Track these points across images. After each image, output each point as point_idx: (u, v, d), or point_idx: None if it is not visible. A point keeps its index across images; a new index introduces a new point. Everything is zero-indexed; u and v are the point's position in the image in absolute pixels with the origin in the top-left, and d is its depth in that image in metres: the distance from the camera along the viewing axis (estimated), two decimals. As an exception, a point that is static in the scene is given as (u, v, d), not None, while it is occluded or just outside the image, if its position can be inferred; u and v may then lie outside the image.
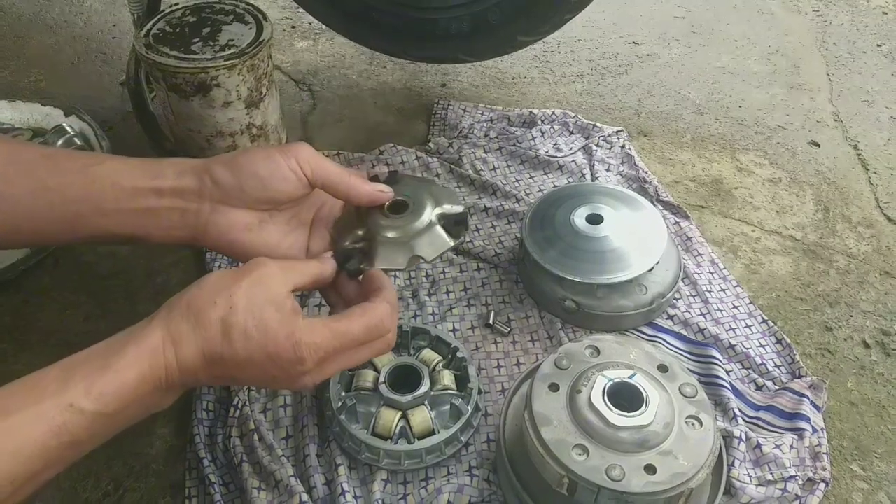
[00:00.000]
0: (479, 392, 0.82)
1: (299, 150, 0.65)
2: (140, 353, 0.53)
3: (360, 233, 0.69)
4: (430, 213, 0.69)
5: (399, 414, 0.78)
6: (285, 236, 0.68)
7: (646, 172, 1.14)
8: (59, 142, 1.11)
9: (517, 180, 1.15)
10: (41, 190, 0.61)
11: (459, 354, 0.84)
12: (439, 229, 0.69)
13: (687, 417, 0.68)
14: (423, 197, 0.71)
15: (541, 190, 1.13)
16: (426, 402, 0.79)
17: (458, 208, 0.71)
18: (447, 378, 0.82)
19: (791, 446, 0.79)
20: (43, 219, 0.62)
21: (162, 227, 0.64)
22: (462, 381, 0.83)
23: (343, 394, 0.80)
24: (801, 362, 0.88)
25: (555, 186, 1.12)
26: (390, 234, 0.68)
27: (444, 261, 1.01)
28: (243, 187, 0.64)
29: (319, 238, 0.70)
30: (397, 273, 0.98)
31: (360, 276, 0.67)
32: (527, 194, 1.12)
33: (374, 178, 0.70)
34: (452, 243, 0.69)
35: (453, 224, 0.70)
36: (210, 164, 0.65)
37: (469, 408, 0.79)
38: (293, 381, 0.58)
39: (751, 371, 0.88)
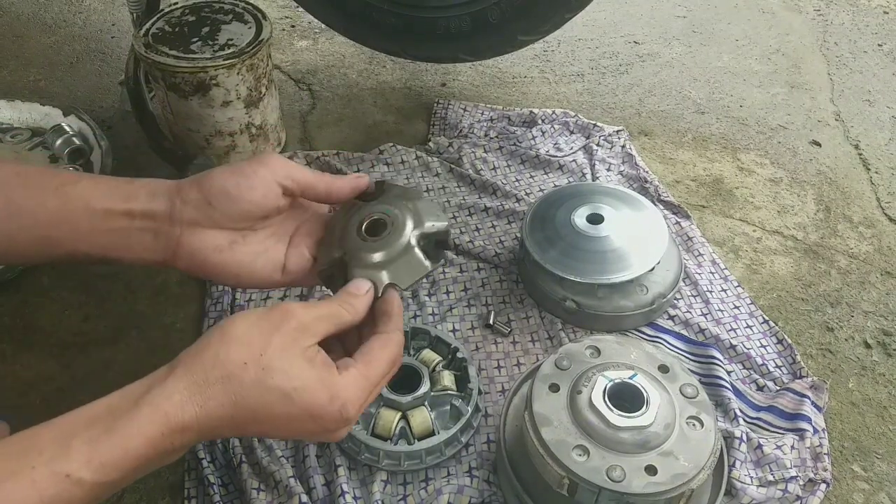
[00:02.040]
0: (480, 392, 0.82)
1: (269, 158, 0.63)
2: (154, 416, 0.48)
3: (336, 255, 0.66)
4: (409, 234, 0.65)
5: (399, 414, 0.78)
6: (258, 256, 0.65)
7: (646, 172, 1.14)
8: (58, 141, 1.11)
9: (517, 180, 1.15)
10: (14, 210, 0.59)
11: (459, 355, 0.84)
12: (417, 253, 0.64)
13: (688, 418, 0.68)
14: (404, 215, 0.66)
15: (541, 190, 1.13)
16: (426, 403, 0.79)
17: (441, 225, 0.66)
18: (447, 378, 0.82)
19: (792, 447, 0.79)
20: (15, 238, 0.60)
21: (134, 250, 0.63)
22: (462, 381, 0.83)
23: (343, 394, 0.80)
24: (802, 363, 0.88)
25: (555, 186, 1.12)
26: (367, 258, 0.64)
27: (445, 261, 1.01)
28: (212, 204, 0.62)
29: (297, 256, 0.67)
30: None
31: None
32: (527, 194, 1.12)
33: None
34: (430, 268, 0.64)
35: (433, 246, 0.66)
36: (181, 184, 0.63)
37: (469, 408, 0.79)
38: (332, 434, 0.55)
39: (752, 371, 0.88)
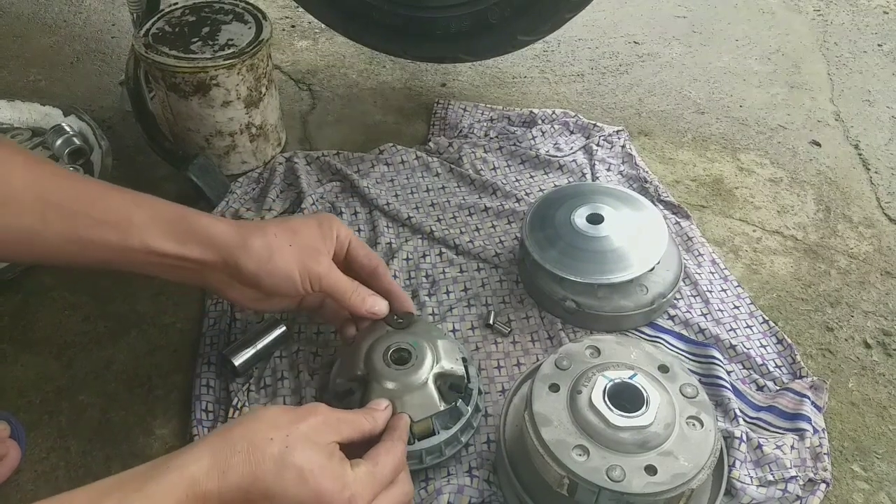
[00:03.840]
0: (480, 392, 0.82)
1: (320, 266, 0.73)
2: (181, 480, 0.52)
3: (358, 373, 0.75)
4: (428, 370, 0.74)
5: (399, 414, 0.78)
6: (282, 300, 0.79)
7: (646, 172, 1.14)
8: (58, 141, 1.11)
9: (517, 180, 1.15)
10: (76, 239, 0.66)
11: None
12: (432, 390, 0.73)
13: (688, 418, 0.68)
14: (426, 351, 0.75)
15: (541, 190, 1.13)
16: (426, 403, 0.79)
17: (459, 369, 0.76)
18: (447, 378, 0.82)
19: (792, 447, 0.79)
20: (75, 258, 0.68)
21: (180, 279, 0.74)
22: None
23: (343, 394, 0.80)
24: (801, 363, 0.88)
25: (555, 186, 1.12)
26: (387, 384, 0.73)
27: (444, 261, 1.01)
28: (261, 287, 0.73)
29: (314, 297, 0.81)
30: (396, 273, 0.98)
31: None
32: (527, 194, 1.12)
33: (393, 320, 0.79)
34: (441, 409, 0.73)
35: (448, 387, 0.74)
36: (239, 252, 0.71)
37: (469, 408, 0.79)
38: None
39: (752, 371, 0.88)
